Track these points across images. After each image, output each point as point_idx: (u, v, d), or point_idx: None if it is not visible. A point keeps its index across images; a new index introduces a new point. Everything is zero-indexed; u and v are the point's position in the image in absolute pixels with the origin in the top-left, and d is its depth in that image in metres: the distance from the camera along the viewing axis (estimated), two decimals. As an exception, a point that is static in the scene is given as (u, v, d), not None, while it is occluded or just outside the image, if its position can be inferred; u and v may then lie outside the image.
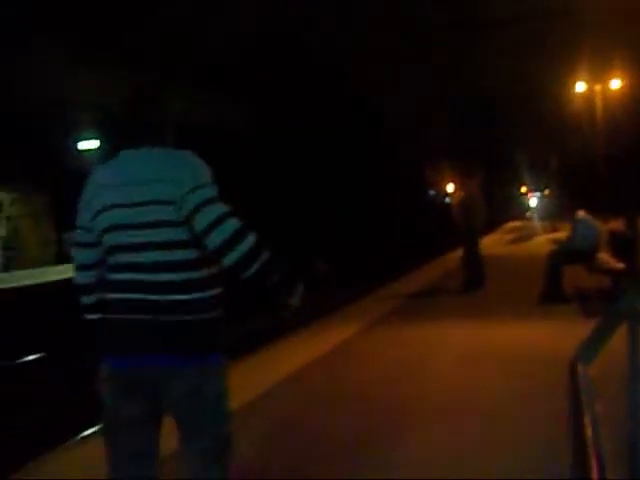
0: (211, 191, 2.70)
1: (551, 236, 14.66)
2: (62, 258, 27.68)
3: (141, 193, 2.69)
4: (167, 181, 2.67)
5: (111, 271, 2.80)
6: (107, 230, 2.76)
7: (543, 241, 22.00)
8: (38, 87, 22.22)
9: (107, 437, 2.80)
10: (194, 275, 2.70)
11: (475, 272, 12.70)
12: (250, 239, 2.66)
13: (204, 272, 2.73)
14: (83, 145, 28.49)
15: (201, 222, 2.64)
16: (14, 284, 18.01)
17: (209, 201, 2.66)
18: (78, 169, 27.10)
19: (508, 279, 14.21)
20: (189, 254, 2.70)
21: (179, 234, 2.67)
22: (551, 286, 10.90)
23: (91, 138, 28.13)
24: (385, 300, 12.18)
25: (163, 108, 2.94)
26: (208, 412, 2.75)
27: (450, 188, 49.27)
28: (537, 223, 39.37)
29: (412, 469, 4.24)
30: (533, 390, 5.69)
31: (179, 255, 2.69)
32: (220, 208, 2.67)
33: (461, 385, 6.19)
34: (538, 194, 71.45)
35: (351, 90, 33.36)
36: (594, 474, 1.59)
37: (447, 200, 51.19)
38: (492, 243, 25.07)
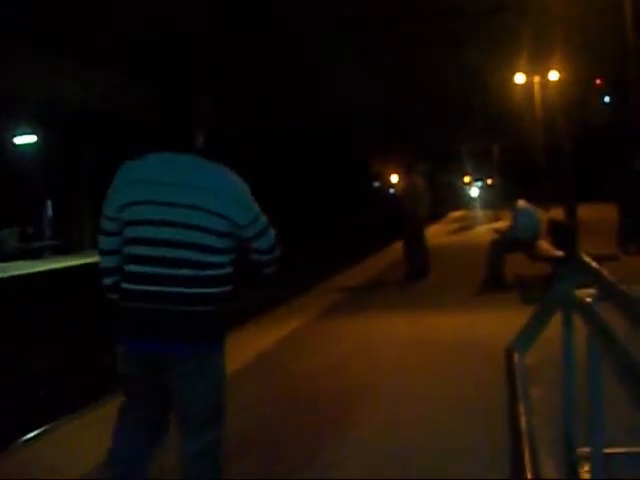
0: (257, 211, 3.09)
1: (493, 225, 14.84)
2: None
3: (179, 195, 2.92)
4: (209, 190, 2.93)
5: (128, 262, 3.02)
6: (132, 223, 2.98)
7: (486, 230, 22.28)
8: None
9: (122, 405, 3.11)
10: (217, 273, 2.96)
11: (420, 262, 12.75)
12: (278, 244, 3.21)
13: (226, 271, 3.00)
14: (20, 140, 27.88)
15: (249, 233, 3.06)
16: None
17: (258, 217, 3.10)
18: (14, 164, 26.57)
19: (451, 268, 14.34)
20: (219, 258, 2.96)
21: (217, 242, 2.94)
22: (492, 274, 11.06)
23: (28, 133, 27.54)
24: (329, 293, 12.17)
25: (193, 117, 3.18)
26: (209, 397, 3.00)
27: (394, 179, 49.55)
28: (480, 212, 39.84)
29: (357, 457, 4.28)
30: (470, 376, 5.77)
31: (209, 257, 2.92)
32: (265, 220, 3.13)
33: (401, 373, 6.25)
34: (479, 184, 71.60)
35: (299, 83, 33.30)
36: (527, 462, 1.59)
37: (391, 191, 51.50)
38: (436, 233, 25.27)
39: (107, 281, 3.21)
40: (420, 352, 7.06)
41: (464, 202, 61.31)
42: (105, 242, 3.18)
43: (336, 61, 28.95)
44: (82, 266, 21.37)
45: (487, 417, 4.50)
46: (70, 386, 8.98)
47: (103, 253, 3.21)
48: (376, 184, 74.08)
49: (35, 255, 27.15)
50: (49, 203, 28.89)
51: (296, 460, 4.29)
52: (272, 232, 3.16)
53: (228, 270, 3.01)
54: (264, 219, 3.12)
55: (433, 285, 12.14)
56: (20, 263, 24.08)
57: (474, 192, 67.72)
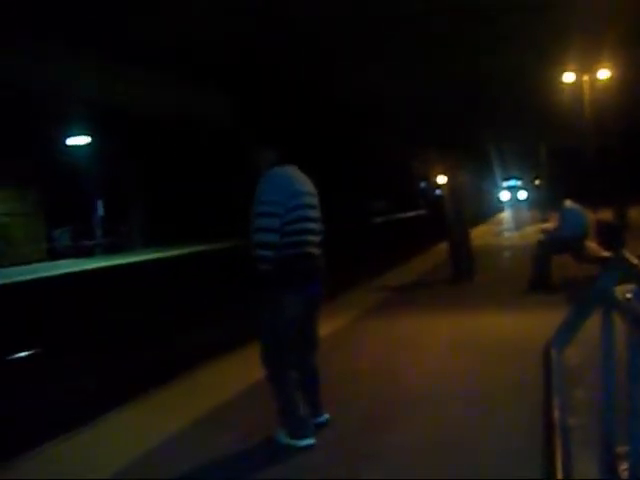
0: None
1: (540, 226, 14.70)
2: (53, 254, 27.64)
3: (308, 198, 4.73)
4: (313, 194, 4.83)
5: (300, 234, 4.58)
6: (297, 207, 4.56)
7: (533, 231, 22.04)
8: (31, 82, 22.13)
9: (283, 342, 4.58)
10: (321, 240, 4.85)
11: (465, 264, 12.69)
12: None
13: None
14: (72, 141, 28.39)
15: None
16: (5, 281, 17.96)
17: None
18: (67, 165, 27.10)
19: (497, 269, 14.24)
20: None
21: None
22: (538, 275, 10.94)
23: (81, 134, 28.04)
24: (374, 292, 12.19)
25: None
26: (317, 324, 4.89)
27: (441, 180, 49.28)
28: (527, 213, 39.38)
29: (400, 455, 4.32)
30: (516, 377, 5.74)
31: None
32: None
33: (443, 374, 6.26)
34: (513, 183, 71.33)
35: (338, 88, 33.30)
36: (559, 458, 1.60)
37: (438, 192, 51.21)
38: (482, 234, 25.10)
39: (268, 254, 4.44)
40: (463, 353, 7.06)
41: (508, 204, 60.77)
42: (272, 222, 4.43)
43: (379, 61, 28.87)
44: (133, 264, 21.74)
45: (529, 418, 4.48)
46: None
47: (269, 231, 4.44)
48: (423, 185, 73.78)
49: (87, 253, 27.66)
50: (100, 202, 29.39)
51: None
52: None
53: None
54: None
55: (479, 286, 12.08)
56: (73, 261, 24.52)
57: (505, 196, 67.59)
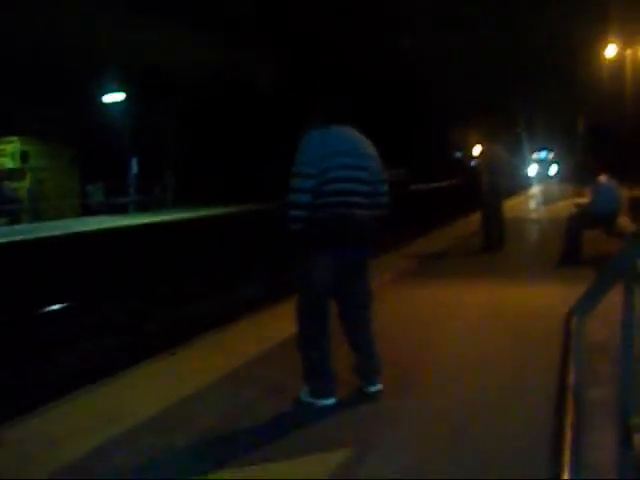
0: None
1: (574, 200, 14.56)
2: (86, 209, 27.97)
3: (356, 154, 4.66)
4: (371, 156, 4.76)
5: (331, 195, 4.53)
6: (332, 168, 4.50)
7: (566, 205, 21.86)
8: (69, 39, 22.24)
9: (310, 305, 4.66)
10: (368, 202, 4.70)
11: (497, 234, 12.68)
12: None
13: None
14: (108, 98, 28.55)
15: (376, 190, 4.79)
16: (41, 235, 18.26)
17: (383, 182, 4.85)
18: (103, 122, 27.30)
19: (528, 241, 14.20)
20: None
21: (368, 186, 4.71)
22: (570, 249, 10.90)
23: (116, 91, 28.18)
24: (404, 259, 12.23)
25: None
26: (370, 289, 4.87)
27: (477, 150, 48.75)
28: (561, 187, 38.98)
29: (427, 419, 4.42)
30: (541, 348, 5.77)
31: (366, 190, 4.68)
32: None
33: (469, 341, 6.33)
34: (544, 156, 66.57)
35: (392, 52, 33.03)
36: (569, 419, 1.66)
37: (473, 162, 50.76)
38: (515, 206, 24.97)
39: (299, 214, 4.50)
40: (490, 321, 7.11)
41: (543, 176, 58.87)
42: (304, 183, 4.48)
43: (420, 30, 28.61)
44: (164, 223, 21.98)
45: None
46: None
47: (301, 191, 4.49)
48: (458, 154, 73.18)
49: (119, 210, 27.95)
50: (134, 160, 29.59)
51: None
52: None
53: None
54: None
55: (509, 257, 12.08)
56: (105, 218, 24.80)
57: (532, 170, 61.01)
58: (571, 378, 1.92)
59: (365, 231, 4.67)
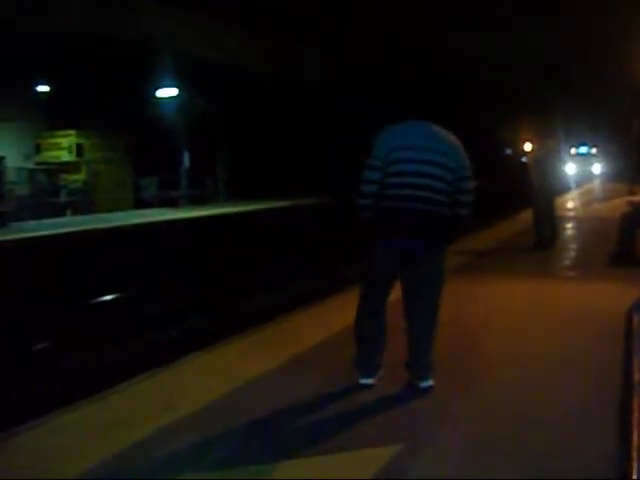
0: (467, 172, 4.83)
1: (628, 199, 14.41)
2: (139, 202, 28.35)
3: (426, 154, 4.70)
4: (442, 153, 4.72)
5: (392, 187, 4.67)
6: (395, 162, 4.65)
7: (619, 204, 21.56)
8: (121, 32, 22.52)
9: (366, 290, 4.85)
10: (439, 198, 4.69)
11: (548, 232, 12.62)
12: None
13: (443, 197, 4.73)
14: (161, 93, 28.86)
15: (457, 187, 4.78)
16: (93, 226, 18.59)
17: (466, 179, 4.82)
18: (156, 116, 27.63)
19: (580, 239, 14.09)
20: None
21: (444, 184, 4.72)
22: (622, 248, 10.81)
23: (170, 86, 28.46)
24: (455, 255, 12.22)
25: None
26: (434, 283, 4.83)
27: (527, 147, 48.04)
28: (614, 185, 38.33)
29: (480, 411, 4.48)
30: (594, 343, 5.75)
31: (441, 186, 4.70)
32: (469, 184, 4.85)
33: (516, 338, 6.32)
34: (585, 151, 60.86)
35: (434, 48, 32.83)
36: (636, 413, 1.73)
37: (523, 160, 50.06)
38: (567, 203, 24.69)
39: (366, 203, 4.72)
40: (539, 318, 7.10)
41: (585, 175, 56.08)
42: (371, 174, 4.68)
43: (464, 27, 28.39)
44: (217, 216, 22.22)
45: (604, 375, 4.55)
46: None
47: (368, 183, 4.70)
48: (508, 151, 72.28)
49: (171, 204, 28.26)
50: (186, 154, 29.90)
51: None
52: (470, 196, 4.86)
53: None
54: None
55: (560, 255, 12.02)
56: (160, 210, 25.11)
57: (570, 168, 56.01)
58: (637, 376, 2.00)
59: (428, 225, 4.67)
